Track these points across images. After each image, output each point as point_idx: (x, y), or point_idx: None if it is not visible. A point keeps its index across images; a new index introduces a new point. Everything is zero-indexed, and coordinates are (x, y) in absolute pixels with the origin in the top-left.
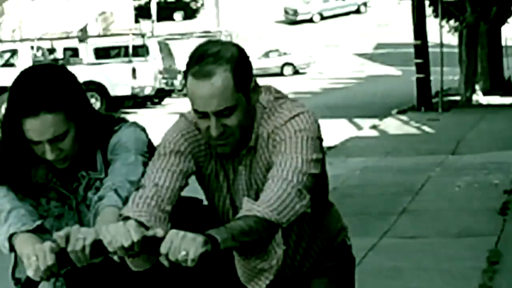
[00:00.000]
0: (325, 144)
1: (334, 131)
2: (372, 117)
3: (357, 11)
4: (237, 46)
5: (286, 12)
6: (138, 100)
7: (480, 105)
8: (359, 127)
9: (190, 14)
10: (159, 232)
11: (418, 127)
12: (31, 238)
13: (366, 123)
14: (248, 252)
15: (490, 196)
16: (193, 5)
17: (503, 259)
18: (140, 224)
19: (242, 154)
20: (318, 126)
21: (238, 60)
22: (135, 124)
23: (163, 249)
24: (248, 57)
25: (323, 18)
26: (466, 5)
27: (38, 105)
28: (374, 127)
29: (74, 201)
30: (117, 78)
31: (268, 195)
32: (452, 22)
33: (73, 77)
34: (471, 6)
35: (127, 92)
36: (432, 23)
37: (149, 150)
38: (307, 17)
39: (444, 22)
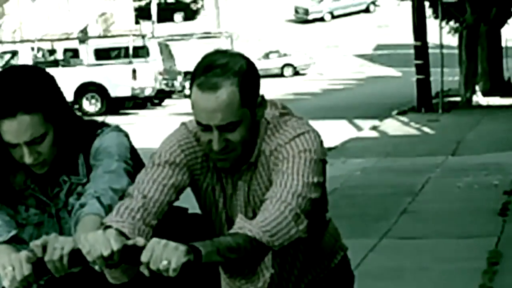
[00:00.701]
0: (325, 145)
1: (334, 132)
2: (372, 118)
3: (367, 10)
4: (246, 58)
5: (296, 11)
6: (138, 101)
7: (480, 106)
8: (359, 128)
9: (191, 15)
10: (140, 241)
11: (418, 128)
12: (7, 249)
13: (366, 124)
14: (234, 270)
15: (490, 197)
16: (193, 6)
17: (503, 259)
18: (121, 234)
19: (243, 169)
20: (323, 147)
21: (246, 74)
22: (117, 128)
23: (144, 257)
24: (256, 71)
25: (334, 17)
26: (466, 6)
27: (16, 105)
28: (374, 128)
29: (53, 208)
30: (117, 79)
31: (264, 216)
32: (452, 23)
33: (51, 78)
34: (471, 7)
35: (127, 93)
36: (432, 24)
37: (132, 156)
38: (318, 16)
39: (444, 23)
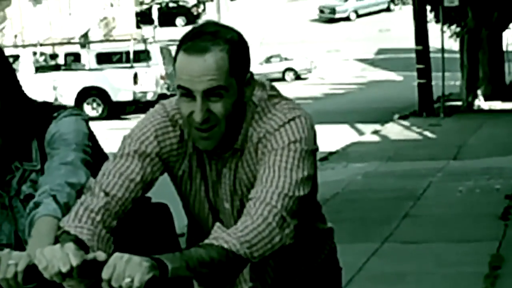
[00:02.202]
0: (327, 149)
1: (335, 137)
2: (374, 123)
3: (388, 9)
4: (238, 32)
5: (321, 11)
6: (140, 106)
7: (482, 110)
8: (361, 133)
9: (192, 19)
10: (101, 255)
11: (419, 133)
12: None
13: (367, 128)
14: (209, 282)
15: (492, 201)
16: (194, 11)
17: (505, 264)
18: (80, 243)
19: (227, 156)
20: (314, 133)
21: (238, 45)
22: (75, 111)
23: (105, 274)
24: (248, 47)
25: (358, 16)
26: (467, 10)
27: None
28: (375, 132)
29: (6, 198)
30: (118, 84)
31: (245, 223)
32: (453, 27)
33: (1, 52)
34: (472, 12)
35: (129, 97)
36: (434, 28)
37: (91, 143)
38: (345, 15)
39: (445, 27)
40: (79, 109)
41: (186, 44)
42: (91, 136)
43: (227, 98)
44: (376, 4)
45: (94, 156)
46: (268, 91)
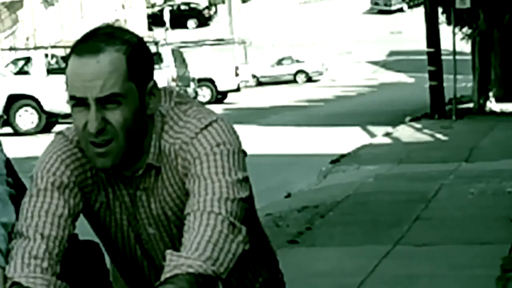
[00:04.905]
0: (339, 151)
1: (347, 139)
2: (385, 125)
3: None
4: (138, 36)
5: (375, 3)
6: None
7: (494, 113)
8: (372, 135)
9: (204, 21)
10: None
11: (431, 135)
12: None
13: (379, 130)
14: None
15: (504, 204)
16: (206, 13)
17: None
18: None
19: (138, 175)
20: (238, 136)
21: (137, 46)
22: None
23: None
24: (149, 52)
25: (410, 7)
26: (479, 12)
27: None
28: (387, 134)
29: None
30: None
31: (195, 239)
32: (465, 29)
33: None
34: (484, 14)
35: None
36: (445, 31)
37: (8, 171)
38: (399, 6)
39: (457, 30)
40: None
41: (78, 46)
42: (7, 163)
43: (126, 106)
44: None
45: (15, 187)
46: (175, 98)
